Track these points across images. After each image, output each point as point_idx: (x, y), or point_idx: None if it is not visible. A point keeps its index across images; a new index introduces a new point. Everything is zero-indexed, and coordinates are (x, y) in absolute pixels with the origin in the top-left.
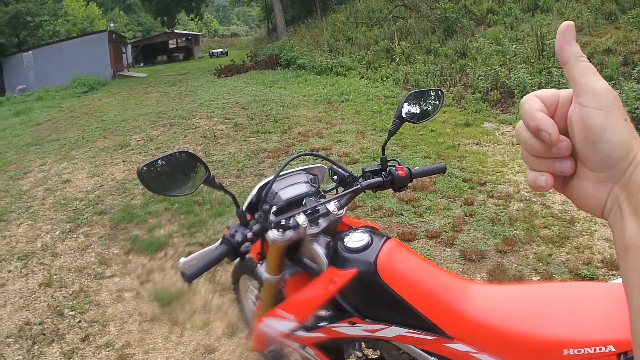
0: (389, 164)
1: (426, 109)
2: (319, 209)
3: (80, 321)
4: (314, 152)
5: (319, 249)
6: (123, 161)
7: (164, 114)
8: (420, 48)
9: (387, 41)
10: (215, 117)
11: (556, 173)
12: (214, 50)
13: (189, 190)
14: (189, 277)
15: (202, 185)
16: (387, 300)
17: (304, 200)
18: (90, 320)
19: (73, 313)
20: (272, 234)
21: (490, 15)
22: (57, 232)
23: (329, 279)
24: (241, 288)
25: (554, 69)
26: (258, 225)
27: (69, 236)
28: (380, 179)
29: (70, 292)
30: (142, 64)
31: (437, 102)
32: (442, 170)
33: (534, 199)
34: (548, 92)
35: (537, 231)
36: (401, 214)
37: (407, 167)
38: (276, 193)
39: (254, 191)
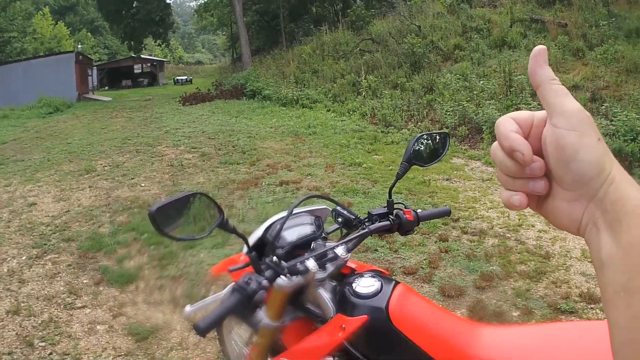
0: (395, 206)
1: (433, 152)
2: (327, 253)
3: (51, 353)
4: (321, 195)
5: (325, 295)
6: (89, 187)
7: (129, 139)
8: (387, 82)
9: (354, 74)
10: (182, 145)
11: (530, 192)
12: (178, 78)
13: (201, 234)
14: (204, 330)
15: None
16: (399, 346)
17: (312, 244)
18: (62, 352)
19: (44, 344)
20: (281, 279)
21: (457, 51)
22: (24, 258)
23: (337, 326)
24: (224, 328)
25: (522, 105)
26: (270, 271)
27: (36, 262)
28: (389, 222)
29: (40, 321)
30: (107, 88)
31: (444, 145)
32: (447, 214)
33: (508, 235)
34: (523, 114)
35: (513, 267)
36: (376, 250)
37: (414, 211)
38: (281, 235)
39: (260, 232)
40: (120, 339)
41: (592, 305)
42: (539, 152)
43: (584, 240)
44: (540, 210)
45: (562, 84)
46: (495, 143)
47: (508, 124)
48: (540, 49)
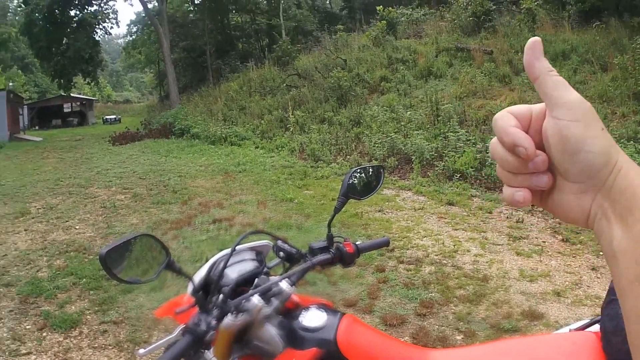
0: (335, 240)
1: (368, 185)
2: (271, 287)
3: None
4: (262, 230)
5: (272, 330)
6: (25, 230)
7: (61, 181)
8: (314, 117)
9: (281, 110)
10: (114, 186)
11: (533, 188)
12: (107, 117)
13: (150, 277)
14: None
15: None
16: None
17: (256, 280)
18: None
19: None
20: (227, 318)
21: (383, 83)
22: None
23: None
24: None
25: (450, 133)
26: (217, 310)
27: None
28: (330, 255)
29: None
30: (37, 127)
31: (378, 177)
32: (386, 244)
33: (445, 261)
34: (521, 108)
35: (452, 292)
36: (315, 283)
37: (354, 243)
38: (224, 273)
39: (203, 271)
40: None
41: (535, 322)
42: (539, 146)
43: (594, 232)
44: (546, 205)
45: (490, 110)
46: (494, 139)
47: (507, 119)
48: (535, 40)
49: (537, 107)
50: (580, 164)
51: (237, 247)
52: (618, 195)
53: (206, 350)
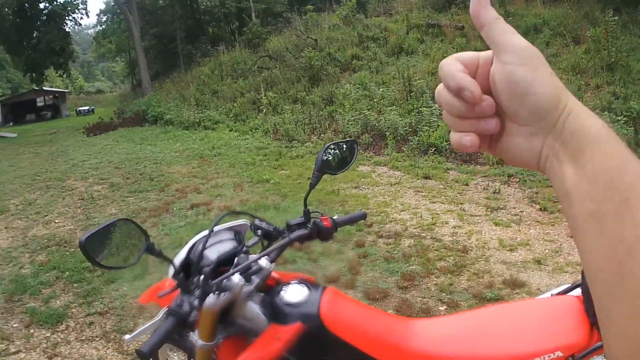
0: (311, 215)
1: (343, 159)
2: (251, 266)
3: None
4: (239, 211)
5: (255, 307)
6: (5, 227)
7: (38, 175)
8: (287, 97)
9: (254, 92)
10: (90, 177)
11: (481, 132)
12: (80, 108)
13: (131, 261)
14: (147, 355)
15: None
16: (337, 348)
17: (236, 259)
18: None
19: None
20: (210, 298)
21: (355, 61)
22: None
23: (272, 337)
24: (160, 356)
25: (424, 108)
26: (200, 291)
27: None
28: (307, 231)
29: None
30: (11, 123)
31: (352, 152)
32: (362, 217)
33: (424, 234)
34: (467, 54)
35: (433, 264)
36: (295, 261)
37: (331, 218)
38: (204, 254)
39: (183, 253)
40: None
41: (517, 290)
42: (486, 92)
43: (546, 174)
44: (495, 150)
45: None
46: (440, 85)
47: (453, 65)
48: None
49: (484, 54)
50: (530, 106)
51: (215, 228)
52: (569, 136)
53: (191, 332)
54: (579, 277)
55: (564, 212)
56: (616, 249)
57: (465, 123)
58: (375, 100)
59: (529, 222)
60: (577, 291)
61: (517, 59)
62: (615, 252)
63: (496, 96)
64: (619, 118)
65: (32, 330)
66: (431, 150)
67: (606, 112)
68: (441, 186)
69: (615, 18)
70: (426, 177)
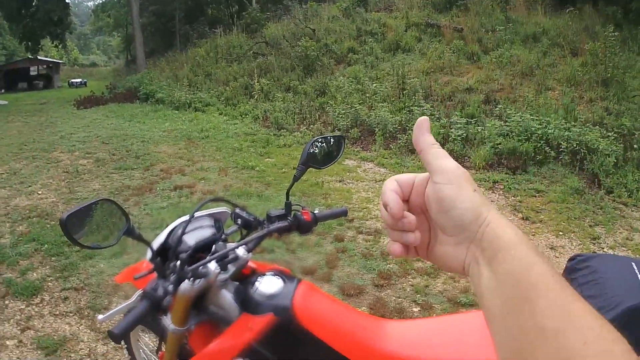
0: (292, 208)
1: (329, 154)
2: (228, 254)
3: None
4: (221, 198)
5: (228, 296)
6: None
7: (25, 145)
8: (279, 85)
9: (247, 77)
10: (77, 151)
11: (404, 243)
12: (73, 80)
13: (110, 242)
14: (118, 336)
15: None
16: (307, 343)
17: (213, 247)
18: None
19: None
20: (184, 284)
21: (351, 54)
22: None
23: (244, 326)
24: (132, 337)
25: (415, 107)
26: (175, 276)
27: None
28: (287, 223)
29: None
30: (3, 91)
31: (339, 147)
32: (344, 214)
33: None
34: (405, 176)
35: (410, 264)
36: (273, 251)
37: (312, 212)
38: (182, 239)
39: (162, 237)
40: (30, 353)
41: None
42: (421, 208)
43: (468, 277)
44: (431, 258)
45: (456, 87)
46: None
47: (389, 183)
48: (422, 119)
49: (421, 176)
50: (454, 220)
51: (196, 214)
52: (486, 244)
53: (164, 316)
54: None
55: (481, 308)
56: (519, 339)
57: (394, 234)
58: (367, 95)
59: None
60: None
61: (445, 179)
62: (520, 342)
63: (430, 210)
64: (610, 134)
65: (7, 302)
66: None
67: (597, 127)
68: None
69: (616, 34)
70: None
